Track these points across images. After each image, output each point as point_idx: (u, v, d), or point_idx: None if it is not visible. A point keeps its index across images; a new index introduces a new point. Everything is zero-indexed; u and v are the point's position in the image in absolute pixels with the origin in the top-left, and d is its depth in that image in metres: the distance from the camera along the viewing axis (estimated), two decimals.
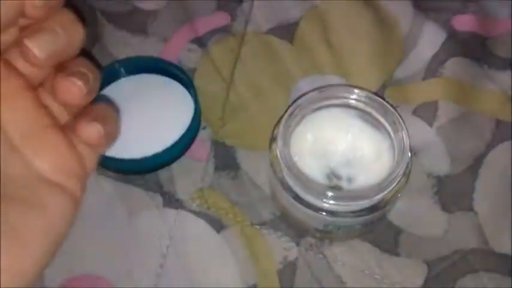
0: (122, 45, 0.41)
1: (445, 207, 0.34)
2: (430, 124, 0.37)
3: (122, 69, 0.38)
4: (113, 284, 0.33)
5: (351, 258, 0.33)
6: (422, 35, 0.40)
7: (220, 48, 0.41)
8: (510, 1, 0.41)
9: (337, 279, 0.33)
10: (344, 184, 0.32)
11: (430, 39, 0.40)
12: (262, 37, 0.41)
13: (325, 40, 0.40)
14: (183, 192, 0.36)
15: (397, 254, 0.33)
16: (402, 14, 0.41)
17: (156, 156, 0.35)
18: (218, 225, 0.35)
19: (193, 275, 0.33)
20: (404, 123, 0.31)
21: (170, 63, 0.38)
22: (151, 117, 0.37)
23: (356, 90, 0.33)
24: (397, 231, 0.34)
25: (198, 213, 0.35)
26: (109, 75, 0.38)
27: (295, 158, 0.31)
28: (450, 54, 0.39)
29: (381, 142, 0.33)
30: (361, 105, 0.33)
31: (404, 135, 0.31)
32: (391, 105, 0.32)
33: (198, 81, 0.39)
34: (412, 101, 0.38)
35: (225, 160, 0.37)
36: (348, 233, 0.33)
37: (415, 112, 0.37)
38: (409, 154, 0.30)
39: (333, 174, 0.32)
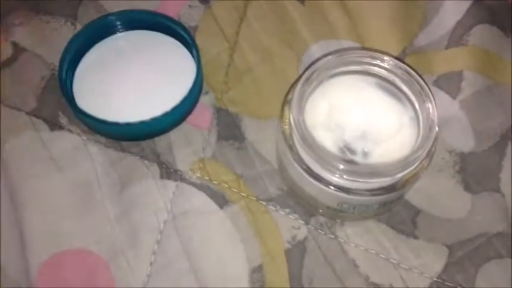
0: None
1: (469, 187, 0.32)
2: (453, 96, 0.34)
3: (118, 23, 0.35)
4: (104, 261, 0.30)
5: (364, 240, 0.31)
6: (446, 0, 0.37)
7: (224, 6, 0.37)
8: None
9: (350, 263, 0.30)
10: (359, 159, 0.29)
11: (454, 4, 0.36)
12: None
13: (339, 1, 0.37)
14: (182, 163, 0.33)
15: (415, 237, 0.31)
16: None
17: (153, 120, 0.31)
18: (221, 200, 0.32)
19: (193, 253, 0.30)
20: (432, 94, 0.28)
21: (171, 19, 0.35)
22: (148, 78, 0.34)
23: (378, 56, 0.29)
24: (416, 212, 0.31)
25: (198, 186, 0.32)
26: (103, 29, 0.35)
27: (308, 128, 0.28)
28: (476, 21, 0.36)
29: (403, 114, 0.30)
30: (383, 73, 0.30)
31: (431, 107, 0.28)
32: (417, 73, 0.29)
33: (199, 41, 0.35)
34: (434, 71, 0.35)
35: (229, 129, 0.34)
36: (362, 213, 0.30)
37: (436, 83, 0.35)
38: (437, 129, 0.27)
39: (346, 148, 0.29)
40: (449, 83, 0.34)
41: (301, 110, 0.28)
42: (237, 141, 0.33)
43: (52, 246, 0.30)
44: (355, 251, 0.31)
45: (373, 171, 0.27)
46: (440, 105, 0.33)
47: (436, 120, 0.27)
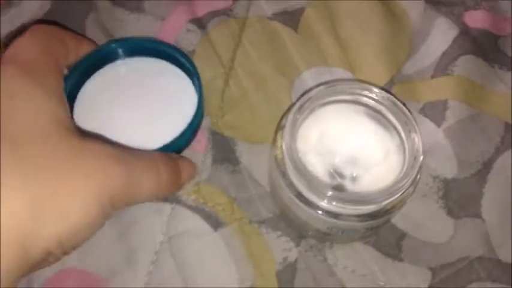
0: (117, 21, 0.38)
1: (451, 213, 0.33)
2: (438, 124, 0.35)
3: (120, 51, 0.36)
4: (102, 281, 0.31)
5: (352, 263, 0.32)
6: (433, 30, 0.38)
7: (220, 32, 0.38)
8: None
9: (339, 284, 0.32)
10: (347, 184, 0.31)
11: (441, 34, 0.38)
12: (265, 22, 0.39)
13: (331, 30, 0.38)
14: None
15: (401, 259, 0.32)
16: (413, 6, 0.39)
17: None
18: (215, 222, 0.33)
19: (187, 273, 0.32)
20: (417, 125, 0.30)
21: (173, 47, 0.35)
22: (149, 106, 0.34)
23: (367, 87, 0.31)
24: (401, 235, 0.33)
25: (193, 209, 0.33)
26: (105, 56, 0.35)
27: (299, 154, 0.29)
28: (461, 51, 0.37)
29: (390, 142, 0.31)
30: (371, 103, 0.31)
31: (416, 137, 0.29)
32: (404, 104, 0.30)
33: (196, 65, 0.37)
34: (420, 99, 0.36)
35: (224, 153, 0.35)
36: (350, 236, 0.32)
37: (422, 111, 0.36)
38: (421, 158, 0.29)
39: (336, 173, 0.31)
40: (435, 111, 0.36)
41: (293, 137, 0.29)
42: (231, 164, 0.35)
43: (55, 264, 0.31)
44: (343, 272, 0.32)
45: (360, 199, 0.28)
46: (425, 133, 0.35)
47: (420, 149, 0.29)
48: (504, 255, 0.32)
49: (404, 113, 0.30)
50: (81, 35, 0.35)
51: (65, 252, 0.25)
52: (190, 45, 0.38)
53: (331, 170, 0.31)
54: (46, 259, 0.24)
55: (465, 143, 0.35)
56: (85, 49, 0.33)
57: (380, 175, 0.30)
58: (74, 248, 0.25)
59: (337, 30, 0.38)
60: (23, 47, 0.28)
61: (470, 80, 0.36)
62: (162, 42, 0.36)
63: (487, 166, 0.34)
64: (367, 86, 0.31)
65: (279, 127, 0.31)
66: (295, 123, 0.30)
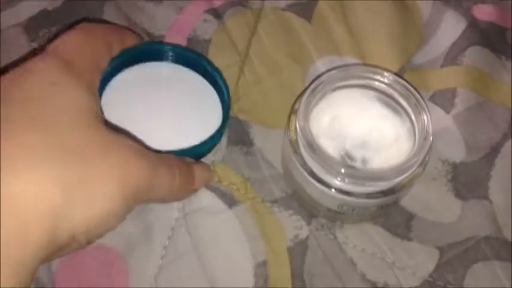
0: (136, 8, 0.40)
1: (459, 195, 0.34)
2: (447, 111, 0.36)
3: (167, 54, 0.36)
4: (119, 255, 0.32)
5: (362, 242, 0.33)
6: (443, 23, 0.39)
7: (236, 22, 0.40)
8: None
9: (348, 261, 0.33)
10: (358, 166, 0.32)
11: (450, 27, 0.39)
12: (279, 13, 0.40)
13: (344, 20, 0.40)
14: None
15: (409, 239, 0.33)
16: (423, 0, 0.40)
17: (179, 152, 0.33)
18: (230, 200, 0.34)
19: (202, 248, 0.33)
20: (427, 107, 0.31)
21: (212, 65, 0.36)
22: (173, 112, 0.35)
23: (379, 71, 0.32)
24: (410, 216, 0.34)
25: (209, 187, 0.34)
26: (149, 53, 0.36)
27: (313, 136, 0.30)
28: (470, 42, 0.38)
29: (400, 126, 0.32)
30: (382, 87, 0.32)
31: (426, 119, 0.31)
32: (414, 88, 0.31)
33: (212, 53, 0.38)
34: (430, 87, 0.37)
35: (238, 135, 0.36)
36: (361, 215, 0.33)
37: (432, 98, 0.37)
38: (431, 139, 0.30)
39: (347, 155, 0.32)
40: (444, 99, 0.37)
41: (306, 118, 0.31)
42: (245, 146, 0.36)
43: None
44: (353, 250, 0.33)
45: (372, 176, 0.30)
46: (435, 119, 0.36)
47: (430, 130, 0.30)
48: (510, 235, 0.33)
49: (415, 96, 0.31)
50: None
51: (89, 241, 0.25)
52: (207, 34, 0.39)
53: (342, 153, 0.32)
54: (69, 245, 0.25)
55: (473, 128, 0.36)
56: (130, 43, 0.34)
57: (390, 158, 0.31)
58: (97, 237, 0.26)
59: (349, 21, 0.40)
60: (69, 43, 0.29)
61: (479, 70, 0.38)
62: (205, 59, 0.37)
63: (494, 150, 0.35)
64: (378, 70, 0.32)
65: (293, 110, 0.32)
66: (309, 105, 0.31)
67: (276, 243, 0.33)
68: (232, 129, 0.36)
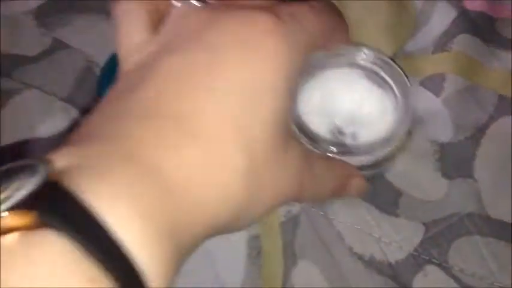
0: None
1: (446, 174, 0.35)
2: (437, 94, 0.38)
3: None
4: None
5: (350, 217, 0.35)
6: (434, 13, 0.41)
7: None
8: None
9: (337, 235, 0.34)
10: (348, 140, 0.33)
11: (441, 16, 0.40)
12: None
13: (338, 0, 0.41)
14: None
15: (396, 215, 0.35)
16: None
17: None
18: None
19: None
20: (410, 83, 0.32)
21: None
22: None
23: (365, 50, 0.34)
24: (398, 193, 0.35)
25: None
26: None
27: (302, 115, 0.32)
28: (459, 30, 0.40)
29: (386, 101, 0.33)
30: (369, 65, 0.34)
31: (408, 94, 0.32)
32: (399, 66, 0.33)
33: None
34: (420, 73, 0.39)
35: None
36: None
37: (422, 83, 0.38)
38: (412, 114, 0.31)
39: (337, 131, 0.33)
40: (434, 84, 0.38)
41: (294, 98, 0.32)
42: None
43: None
44: (342, 225, 0.34)
45: (358, 151, 0.31)
46: (424, 102, 0.37)
47: (412, 106, 0.31)
48: (493, 212, 0.34)
49: (398, 73, 0.33)
50: None
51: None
52: None
53: (333, 128, 0.33)
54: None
55: (461, 110, 0.37)
56: None
57: (377, 131, 0.33)
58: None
59: (345, 10, 0.41)
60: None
61: (468, 56, 0.39)
62: None
63: (480, 131, 0.36)
64: (363, 49, 0.34)
65: None
66: (296, 86, 0.33)
67: (270, 218, 0.35)
68: None
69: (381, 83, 0.34)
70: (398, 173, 0.35)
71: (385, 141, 0.31)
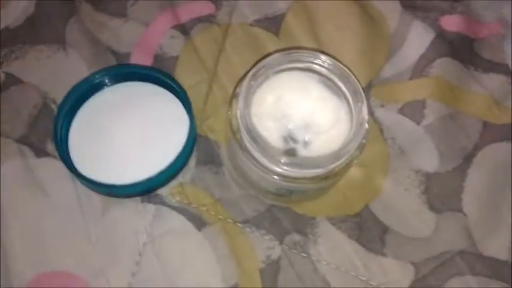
0: (100, 25, 0.39)
1: (433, 207, 0.34)
2: (418, 122, 0.36)
3: (104, 79, 0.36)
4: (86, 283, 0.31)
5: (335, 259, 0.33)
6: (410, 34, 0.39)
7: (204, 38, 0.39)
8: (496, 4, 0.41)
9: (322, 280, 0.32)
10: (300, 148, 0.31)
11: (417, 38, 0.39)
12: (247, 28, 0.40)
13: (311, 35, 0.39)
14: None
15: (384, 254, 0.33)
16: (390, 12, 0.40)
17: (148, 180, 0.32)
18: (199, 222, 0.33)
19: (171, 274, 0.32)
20: (364, 95, 0.30)
21: (156, 70, 0.36)
22: (141, 130, 0.35)
23: (321, 56, 0.32)
24: (384, 229, 0.33)
25: (178, 209, 0.33)
26: (91, 87, 0.36)
27: (255, 119, 0.30)
28: (438, 54, 0.38)
29: (340, 109, 0.31)
30: (324, 71, 0.32)
31: (363, 107, 0.30)
32: (354, 75, 0.31)
33: (180, 71, 0.38)
34: (399, 100, 0.37)
35: (208, 155, 0.35)
36: (300, 197, 0.33)
37: (401, 111, 0.37)
38: (366, 126, 0.29)
39: (290, 137, 0.31)
40: (413, 111, 0.37)
41: (247, 103, 0.30)
42: (214, 166, 0.35)
43: (37, 266, 0.32)
44: (327, 268, 0.32)
45: (311, 164, 0.29)
46: (404, 131, 0.36)
47: (366, 118, 0.29)
48: (485, 249, 0.32)
49: (353, 83, 0.31)
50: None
51: None
52: (174, 51, 0.39)
53: (285, 135, 0.31)
54: None
55: (446, 138, 0.36)
56: None
57: (330, 141, 0.31)
58: None
59: (317, 34, 0.39)
60: None
61: (447, 81, 0.37)
62: (144, 67, 0.37)
63: (467, 161, 0.35)
64: (319, 54, 0.32)
65: (234, 94, 0.31)
66: (250, 89, 0.30)
67: (248, 265, 0.32)
68: (201, 148, 0.35)
69: (337, 91, 0.31)
70: (383, 205, 0.33)
71: (337, 155, 0.29)
